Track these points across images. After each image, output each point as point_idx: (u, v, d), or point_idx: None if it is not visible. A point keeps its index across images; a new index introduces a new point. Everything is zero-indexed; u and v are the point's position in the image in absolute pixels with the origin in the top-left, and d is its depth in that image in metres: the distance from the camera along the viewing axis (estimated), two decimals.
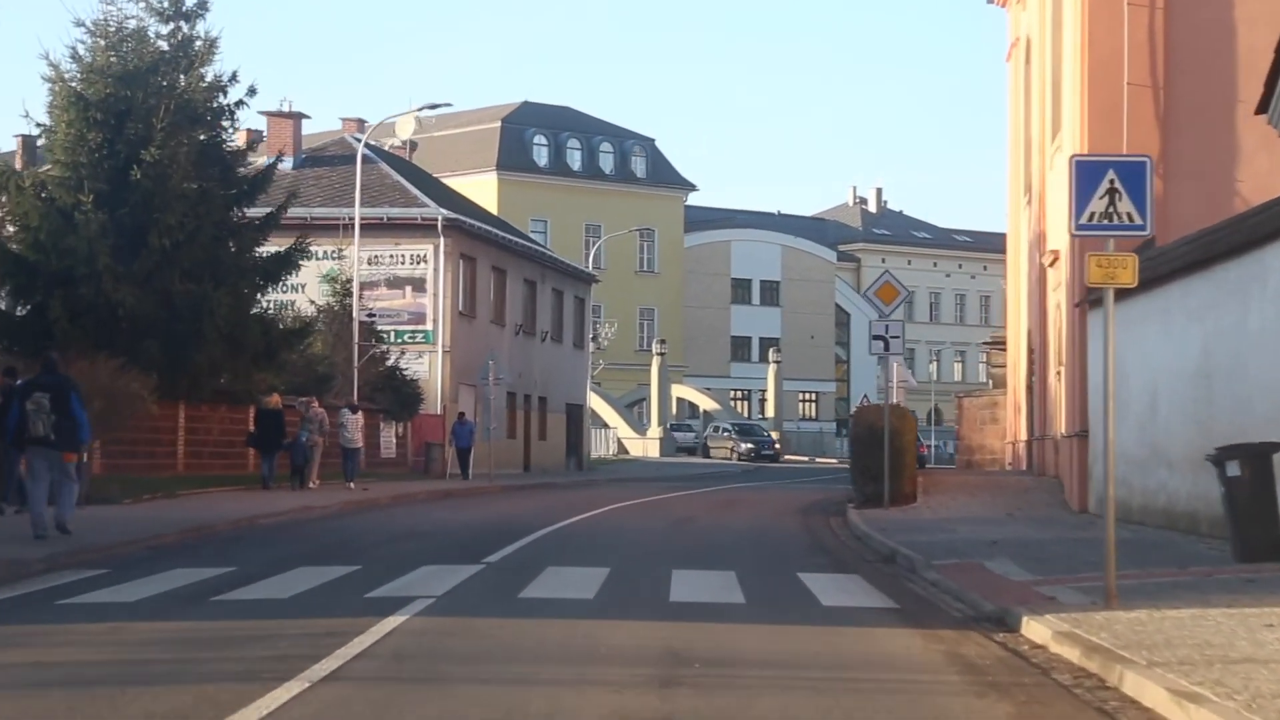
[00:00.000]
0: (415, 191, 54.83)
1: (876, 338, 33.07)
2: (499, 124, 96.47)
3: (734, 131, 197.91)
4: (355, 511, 32.31)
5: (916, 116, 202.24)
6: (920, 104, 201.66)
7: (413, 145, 66.11)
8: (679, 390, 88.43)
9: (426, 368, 53.01)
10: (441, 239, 53.10)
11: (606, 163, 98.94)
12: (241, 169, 39.98)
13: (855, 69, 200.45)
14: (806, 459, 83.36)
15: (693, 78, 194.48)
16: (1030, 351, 42.56)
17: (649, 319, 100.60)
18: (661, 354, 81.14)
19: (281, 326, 40.81)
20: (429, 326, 53.28)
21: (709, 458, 76.59)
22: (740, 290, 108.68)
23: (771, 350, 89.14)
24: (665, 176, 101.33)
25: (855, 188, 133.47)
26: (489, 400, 46.25)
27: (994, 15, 55.23)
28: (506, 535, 24.79)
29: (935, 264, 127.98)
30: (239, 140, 41.65)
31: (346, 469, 40.42)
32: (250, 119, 68.87)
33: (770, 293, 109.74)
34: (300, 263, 40.50)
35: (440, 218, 52.95)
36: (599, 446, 75.26)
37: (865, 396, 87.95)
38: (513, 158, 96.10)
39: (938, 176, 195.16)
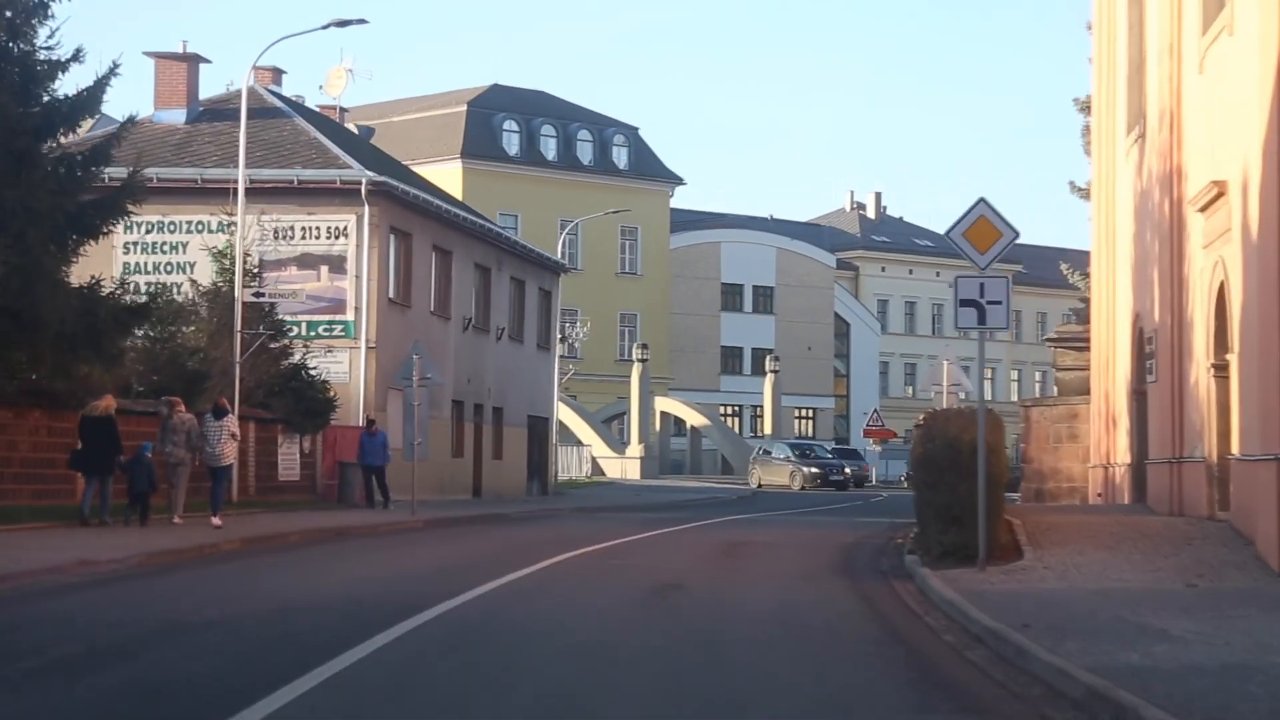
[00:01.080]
0: (336, 150, 42.97)
1: (967, 303, 21.07)
2: (465, 108, 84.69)
3: (722, 127, 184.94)
4: (160, 570, 20.46)
5: (916, 119, 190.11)
6: (921, 106, 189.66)
7: (343, 109, 54.18)
8: (663, 404, 76.58)
9: (346, 368, 41.11)
10: (366, 208, 41.23)
11: (584, 152, 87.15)
12: (60, 90, 27.98)
13: (852, 68, 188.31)
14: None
15: (678, 64, 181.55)
16: (1144, 342, 30.59)
17: (630, 325, 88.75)
18: (643, 360, 69.13)
19: (117, 304, 28.73)
20: (349, 316, 41.40)
21: (760, 486, 63.52)
22: (731, 296, 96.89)
23: (769, 359, 77.04)
24: (649, 169, 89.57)
25: (853, 193, 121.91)
26: (412, 407, 34.33)
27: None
28: (350, 629, 13.40)
29: (938, 274, 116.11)
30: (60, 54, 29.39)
31: (211, 496, 28.66)
32: (133, 63, 55.74)
33: (764, 299, 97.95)
34: (131, 212, 28.66)
35: (364, 181, 41.09)
36: (570, 467, 63.38)
37: (876, 411, 76.16)
38: (480, 145, 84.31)
39: (939, 183, 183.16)
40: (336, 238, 41.54)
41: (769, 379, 76.91)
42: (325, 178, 41.44)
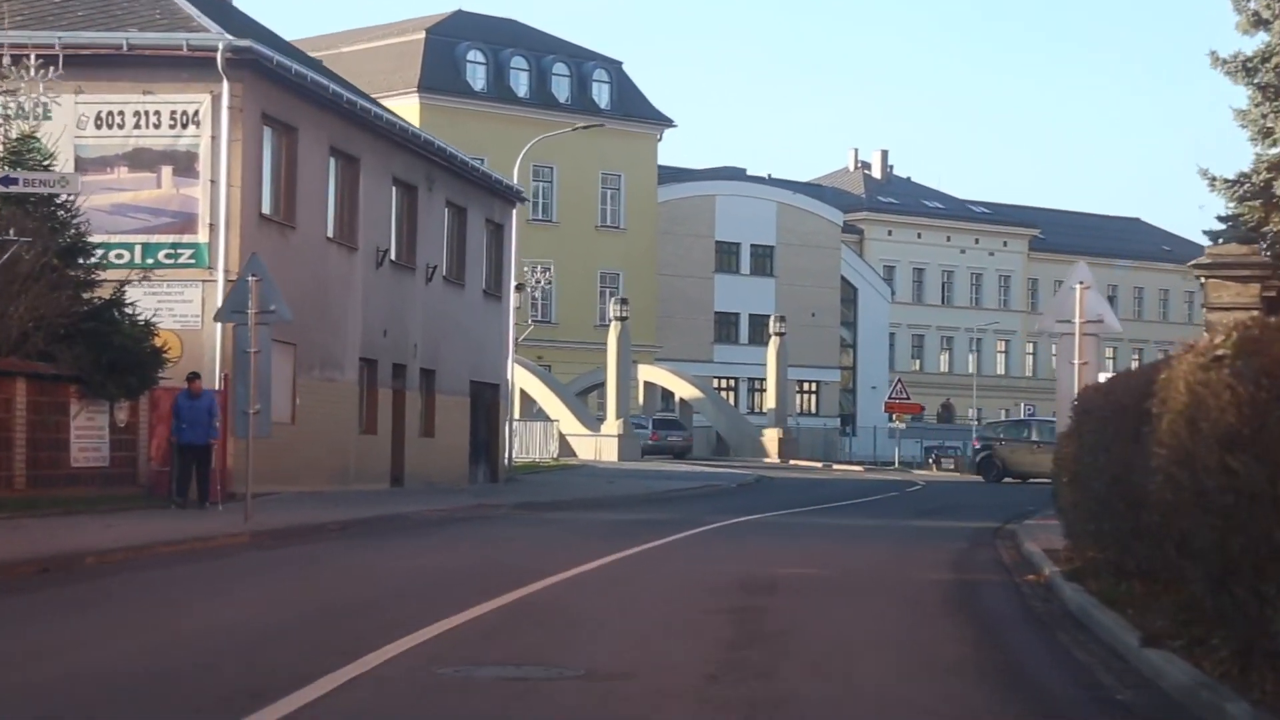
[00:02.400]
0: (189, 10, 29.97)
1: None
2: (424, 35, 71.77)
3: (713, 71, 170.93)
4: None
5: (925, 74, 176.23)
6: (930, 59, 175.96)
7: None
8: (648, 372, 63.74)
9: (198, 309, 28.25)
10: (226, 86, 28.35)
11: (560, 88, 74.20)
12: None
13: (855, 12, 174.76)
14: (819, 464, 58.65)
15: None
16: None
17: (612, 286, 75.89)
18: (622, 319, 56.17)
19: None
20: (200, 237, 28.52)
21: (1008, 478, 48.64)
22: (726, 256, 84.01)
23: (774, 320, 63.93)
24: (635, 109, 76.62)
25: (857, 151, 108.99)
26: (246, 357, 21.53)
27: None
28: None
29: (949, 238, 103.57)
30: None
31: None
32: None
33: (763, 260, 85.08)
34: None
35: (222, 47, 28.18)
36: (533, 446, 50.54)
37: (900, 381, 63.36)
38: (441, 78, 71.39)
39: (949, 142, 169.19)
40: (184, 127, 28.66)
41: (774, 343, 63.99)
42: (167, 43, 28.53)
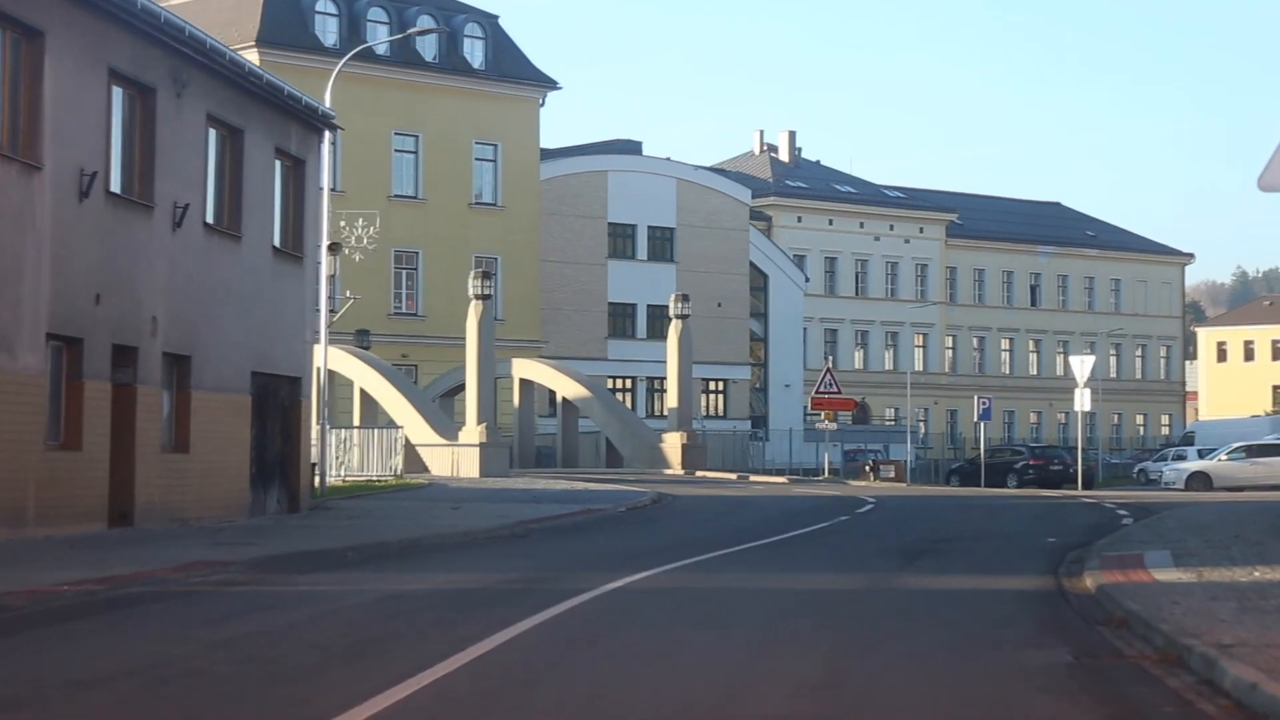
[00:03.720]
0: None
1: None
2: None
3: (603, 40, 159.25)
4: None
5: (833, 52, 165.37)
6: (838, 37, 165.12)
7: None
8: (524, 368, 51.63)
9: None
10: None
11: (427, 45, 62.00)
12: None
13: None
14: (733, 475, 46.58)
15: None
16: None
17: (490, 272, 63.82)
18: (483, 297, 43.96)
19: None
20: None
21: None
22: (621, 240, 72.18)
23: (674, 301, 51.44)
24: (513, 69, 64.64)
25: (762, 133, 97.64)
26: None
27: None
28: None
29: (862, 224, 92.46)
30: None
31: None
32: None
33: (662, 244, 73.31)
34: None
35: None
36: (374, 460, 38.34)
37: (829, 371, 51.63)
38: (284, 30, 59.15)
39: (860, 125, 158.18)
40: None
41: (675, 330, 51.89)
42: None
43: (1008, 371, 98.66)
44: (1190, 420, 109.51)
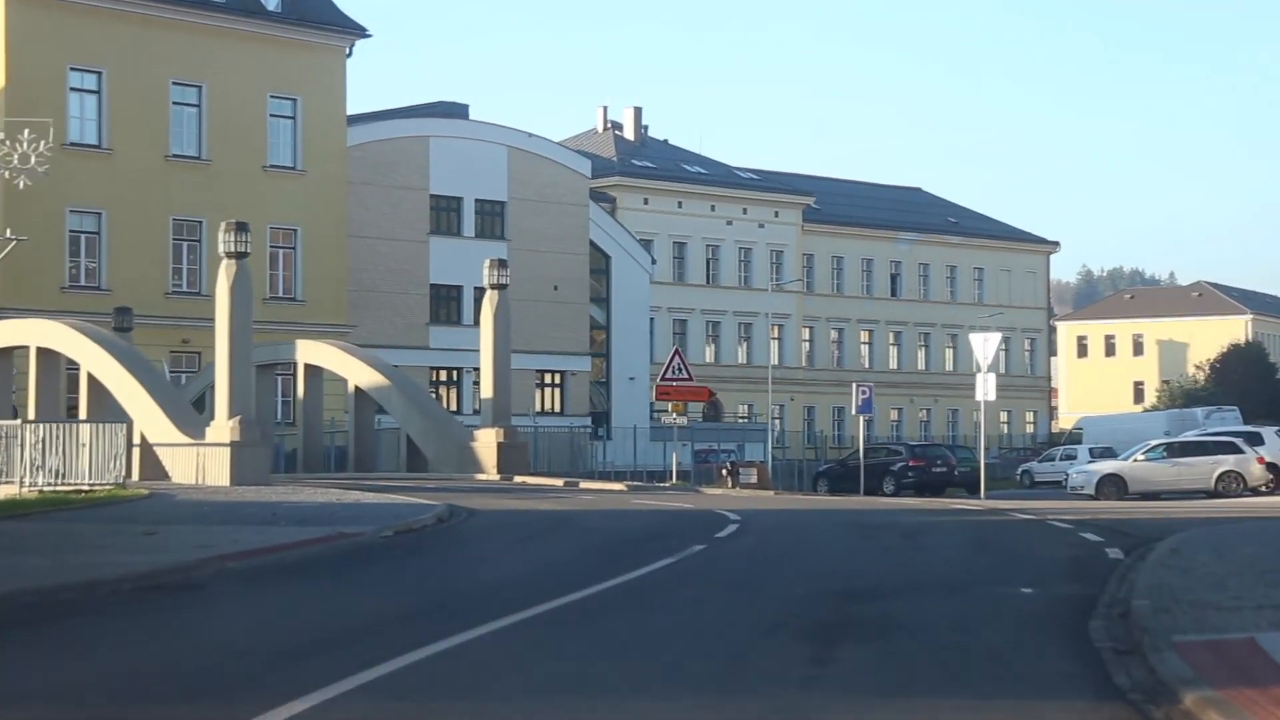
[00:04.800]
0: None
1: None
2: None
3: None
4: None
5: (679, 23, 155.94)
6: (690, 7, 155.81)
7: None
8: (309, 351, 41.48)
9: None
10: None
11: None
12: None
13: None
14: (560, 481, 36.50)
15: None
16: None
17: (287, 245, 53.79)
18: (239, 254, 33.54)
19: None
20: None
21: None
22: (444, 214, 62.30)
23: (489, 268, 41.15)
24: (315, 12, 54.56)
25: (606, 109, 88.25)
26: None
27: None
28: None
29: (713, 207, 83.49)
30: None
31: None
32: None
33: (491, 220, 63.55)
34: None
35: None
36: (98, 463, 28.05)
37: (678, 354, 42.07)
38: None
39: (710, 105, 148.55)
40: None
41: (490, 302, 41.40)
42: None
43: (867, 365, 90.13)
44: (1054, 418, 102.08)
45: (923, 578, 15.30)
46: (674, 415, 38.20)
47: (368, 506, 25.28)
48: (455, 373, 62.43)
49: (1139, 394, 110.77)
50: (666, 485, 37.76)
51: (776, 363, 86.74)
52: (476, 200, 62.58)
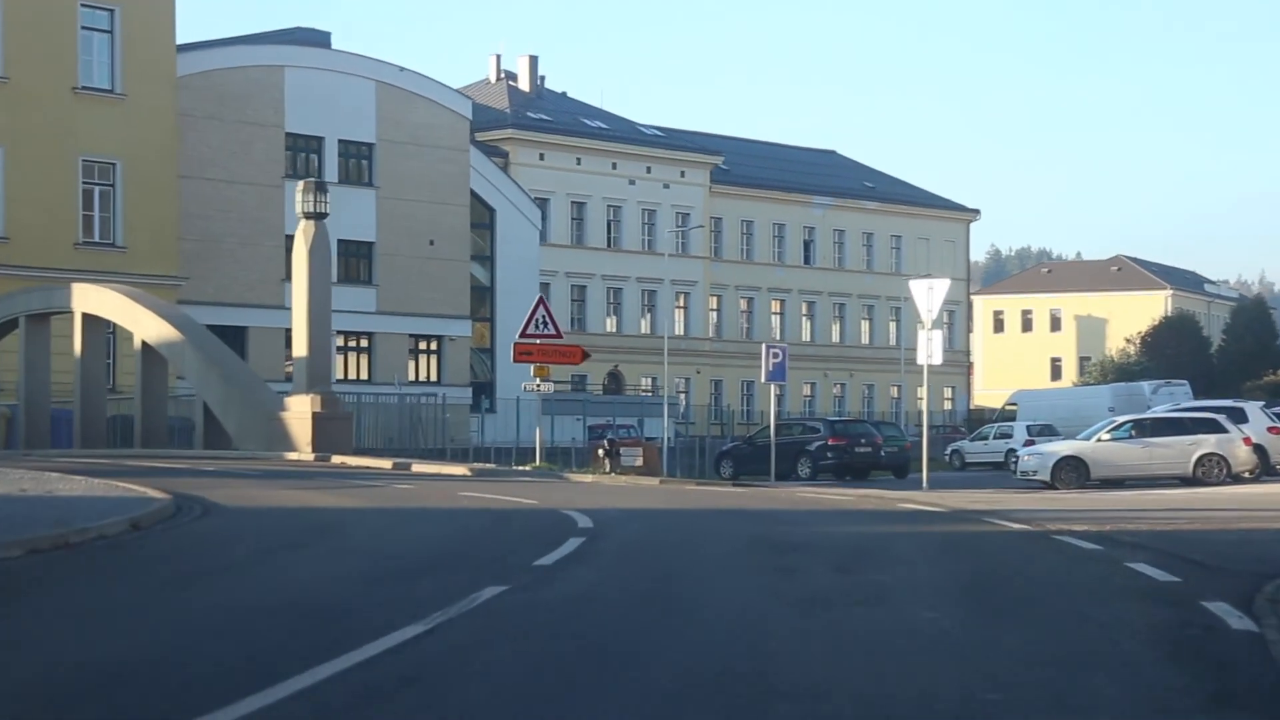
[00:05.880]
0: None
1: None
2: None
3: None
4: None
5: None
6: None
7: None
8: (86, 297, 32.32)
9: None
10: None
11: None
12: None
13: None
14: (389, 463, 27.62)
15: None
16: None
17: (105, 181, 44.51)
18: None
19: None
20: None
21: None
22: (303, 156, 53.14)
23: (304, 193, 31.98)
24: None
25: (499, 58, 79.22)
26: None
27: None
28: None
29: (615, 165, 74.79)
30: None
31: None
32: None
33: (357, 164, 54.55)
34: None
35: None
36: None
37: (543, 305, 33.11)
38: None
39: (611, 58, 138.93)
40: None
41: (304, 235, 31.82)
42: None
43: (778, 337, 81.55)
44: (974, 393, 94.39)
45: (912, 704, 6.81)
46: (537, 382, 29.55)
47: (42, 503, 16.48)
48: None
49: (1056, 370, 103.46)
50: (526, 468, 29.04)
51: (682, 333, 78.48)
52: (340, 141, 53.51)
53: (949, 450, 49.99)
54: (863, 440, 38.26)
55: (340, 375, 53.27)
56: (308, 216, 30.63)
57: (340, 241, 53.35)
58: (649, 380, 76.61)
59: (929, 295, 26.90)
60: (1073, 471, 32.29)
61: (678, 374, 77.49)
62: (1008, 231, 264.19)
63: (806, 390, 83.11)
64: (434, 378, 56.03)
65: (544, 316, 29.32)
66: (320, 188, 30.54)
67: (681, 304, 78.59)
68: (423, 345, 56.19)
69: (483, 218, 59.17)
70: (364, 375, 53.83)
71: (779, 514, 17.48)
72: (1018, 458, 33.93)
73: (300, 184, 31.31)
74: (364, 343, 54.45)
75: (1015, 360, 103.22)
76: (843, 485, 33.77)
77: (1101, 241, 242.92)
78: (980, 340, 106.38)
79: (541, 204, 70.33)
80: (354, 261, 54.01)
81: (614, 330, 75.49)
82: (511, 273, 59.97)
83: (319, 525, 16.01)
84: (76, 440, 31.33)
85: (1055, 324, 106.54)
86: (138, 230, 44.19)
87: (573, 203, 73.75)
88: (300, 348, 30.41)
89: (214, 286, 48.99)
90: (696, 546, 14.03)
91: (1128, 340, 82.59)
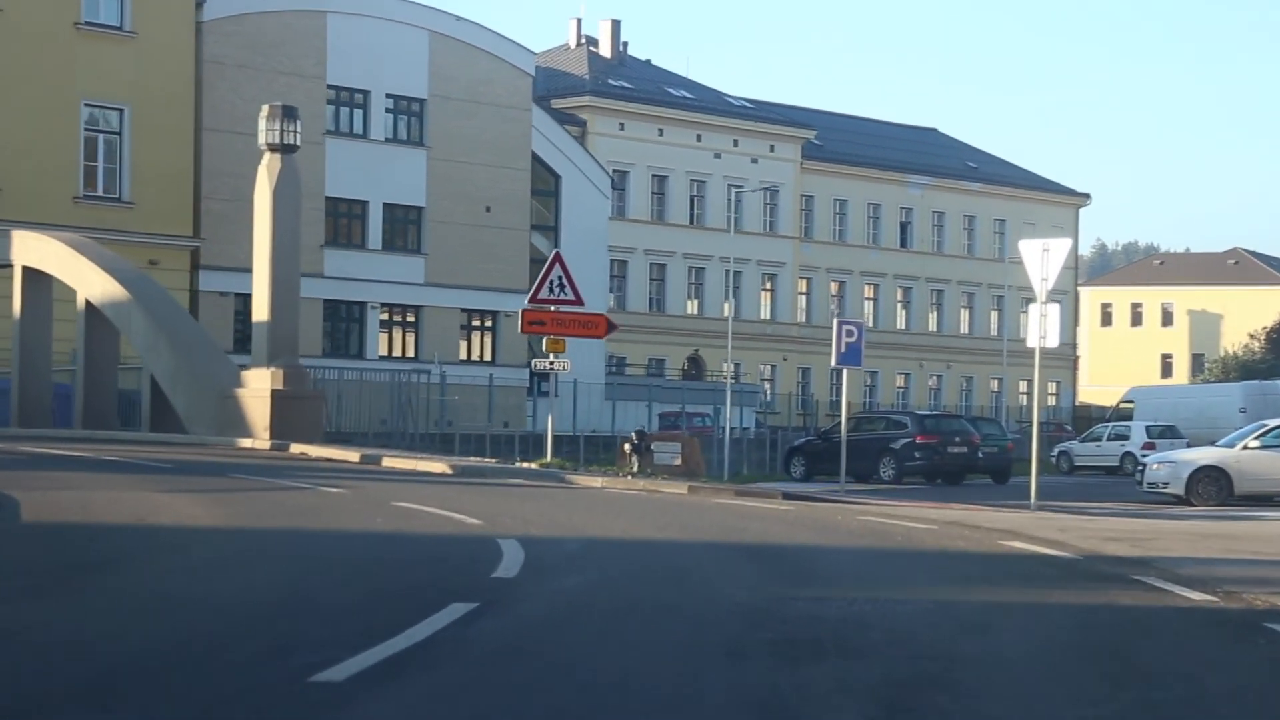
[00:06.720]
0: None
1: None
2: None
3: None
4: None
5: None
6: None
7: None
8: (29, 247, 26.68)
9: None
10: None
11: None
12: None
13: None
14: (356, 455, 21.73)
15: None
16: None
17: (109, 130, 38.98)
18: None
19: None
20: None
21: None
22: (345, 111, 47.49)
23: (269, 119, 26.16)
24: None
25: (580, 22, 73.18)
26: None
27: None
28: None
29: (699, 137, 68.52)
30: None
31: None
32: None
33: (407, 121, 48.81)
34: None
35: None
36: None
37: (559, 258, 27.09)
38: None
39: (700, 25, 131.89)
40: None
41: (269, 170, 25.87)
42: None
43: (871, 324, 74.64)
44: (1079, 390, 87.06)
45: None
46: (550, 359, 23.56)
47: None
48: (358, 308, 47.77)
49: (1167, 367, 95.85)
50: (529, 465, 22.92)
51: (768, 317, 72.20)
52: (388, 96, 47.72)
53: (1056, 452, 43.36)
54: (957, 438, 31.88)
55: (384, 352, 47.73)
56: (273, 149, 24.82)
57: (386, 206, 47.83)
58: (731, 366, 70.41)
59: (1044, 260, 20.55)
60: (1212, 485, 25.85)
61: (763, 360, 71.32)
62: (1115, 224, 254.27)
63: (900, 381, 76.54)
64: (488, 357, 50.22)
65: (560, 278, 23.34)
66: (289, 113, 24.71)
67: (768, 287, 72.30)
68: (475, 321, 50.36)
69: (546, 184, 53.16)
70: (410, 353, 48.15)
71: (818, 556, 11.26)
72: (1143, 466, 27.42)
73: (265, 108, 25.39)
74: (410, 317, 48.75)
75: (1124, 356, 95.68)
76: (931, 491, 27.49)
77: (1213, 235, 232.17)
78: (1086, 334, 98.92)
79: (620, 177, 64.41)
80: (401, 227, 48.33)
81: (695, 313, 69.38)
82: (576, 245, 53.80)
83: (102, 558, 10.13)
84: (13, 418, 25.80)
85: (1167, 318, 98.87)
86: (147, 184, 38.70)
87: (653, 176, 67.70)
88: (261, 310, 24.40)
89: (242, 251, 43.20)
90: (649, 632, 7.93)
91: (1251, 336, 74.97)
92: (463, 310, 49.48)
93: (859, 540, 12.32)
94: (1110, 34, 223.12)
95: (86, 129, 37.95)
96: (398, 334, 48.72)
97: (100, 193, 38.25)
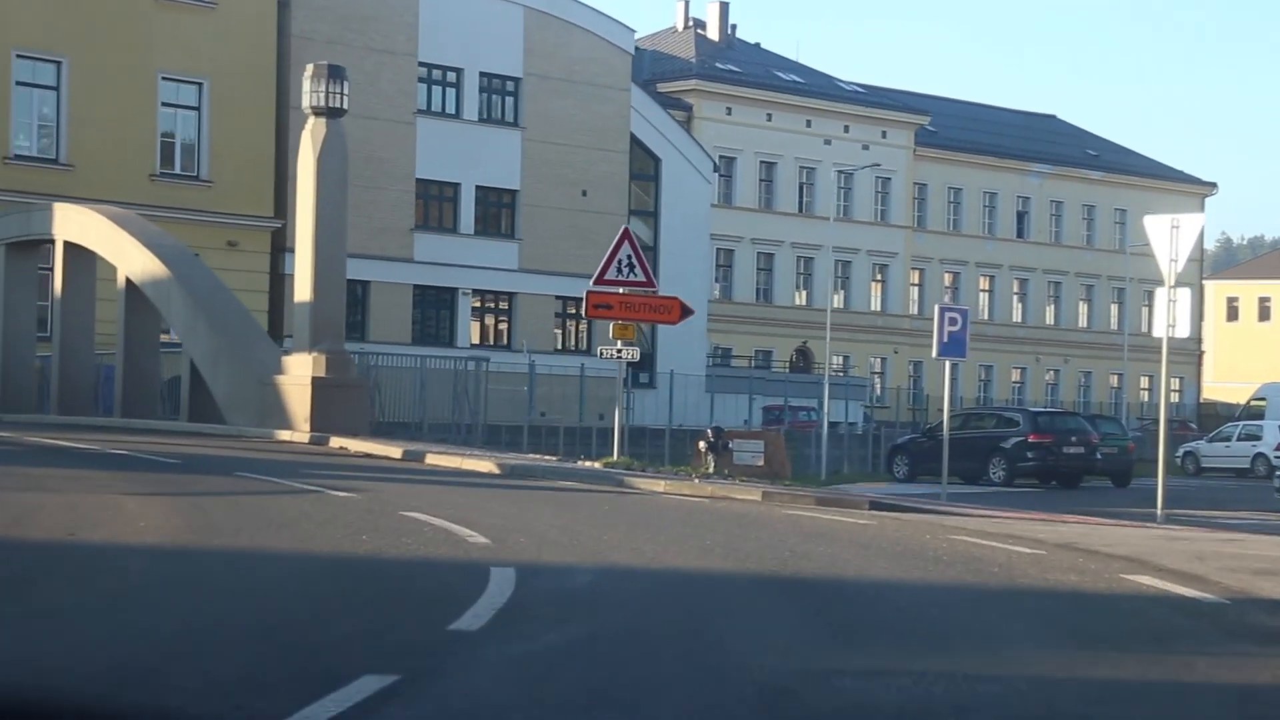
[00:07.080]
0: None
1: None
2: None
3: None
4: None
5: None
6: None
7: None
8: (71, 221, 24.70)
9: None
10: None
11: None
12: None
13: None
14: (398, 451, 19.41)
15: None
16: None
17: (187, 104, 37.22)
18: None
19: None
20: None
21: None
22: (438, 90, 45.44)
23: (313, 79, 24.03)
24: None
25: (687, 4, 70.63)
26: None
27: None
28: None
29: (809, 123, 65.66)
30: None
31: None
32: None
33: (501, 100, 46.67)
34: None
35: None
36: None
37: (627, 234, 24.64)
38: None
39: (812, 8, 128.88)
40: None
41: (313, 135, 23.63)
42: None
43: (986, 317, 71.48)
44: (1203, 387, 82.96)
45: None
46: (617, 346, 21.25)
47: None
48: (449, 294, 45.76)
49: None
50: (591, 465, 20.52)
51: (879, 309, 69.27)
52: (481, 75, 45.62)
53: (1181, 452, 40.15)
54: (1073, 438, 29.02)
55: (476, 340, 45.71)
56: (318, 113, 22.63)
57: (478, 189, 45.74)
58: (840, 359, 67.56)
59: (1173, 238, 17.80)
60: None
61: (873, 353, 68.46)
62: (1240, 217, 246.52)
63: (1016, 376, 73.22)
64: (584, 346, 47.95)
65: (629, 256, 20.86)
66: (335, 73, 22.46)
67: (879, 277, 69.35)
68: (571, 309, 48.15)
69: (646, 168, 50.77)
70: (503, 341, 46.09)
71: (888, 598, 8.65)
72: (1277, 470, 24.45)
73: (309, 68, 23.23)
74: (503, 304, 46.66)
75: (1251, 352, 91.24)
76: (1044, 496, 24.77)
77: None
78: (1211, 329, 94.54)
79: (727, 164, 61.96)
80: (494, 211, 46.25)
81: (803, 304, 66.62)
82: (677, 231, 51.43)
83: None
84: (53, 403, 23.99)
85: None
86: (226, 162, 36.91)
87: (761, 162, 65.06)
88: (303, 290, 22.18)
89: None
90: None
91: None
92: (557, 298, 47.28)
93: (945, 573, 9.79)
94: (1230, 21, 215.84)
95: (163, 104, 36.22)
96: (490, 321, 46.67)
97: (177, 170, 36.56)
